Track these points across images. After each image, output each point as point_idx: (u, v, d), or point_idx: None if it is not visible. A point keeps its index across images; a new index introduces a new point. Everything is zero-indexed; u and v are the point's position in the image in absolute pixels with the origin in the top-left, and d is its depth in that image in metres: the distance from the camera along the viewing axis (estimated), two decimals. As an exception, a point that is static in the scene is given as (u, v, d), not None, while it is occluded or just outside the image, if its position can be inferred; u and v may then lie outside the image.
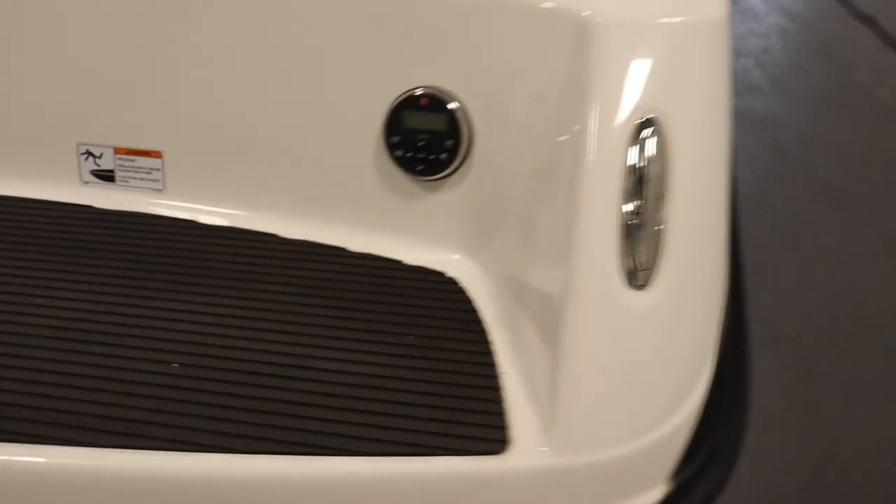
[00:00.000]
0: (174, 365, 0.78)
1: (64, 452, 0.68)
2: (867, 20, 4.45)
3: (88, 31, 1.00)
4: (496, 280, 0.87)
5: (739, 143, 2.87)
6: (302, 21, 0.92)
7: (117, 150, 1.03)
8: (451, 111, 0.89)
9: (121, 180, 1.04)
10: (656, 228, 0.74)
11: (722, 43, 0.83)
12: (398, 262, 0.92)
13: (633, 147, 0.73)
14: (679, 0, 0.83)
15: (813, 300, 2.09)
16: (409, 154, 0.90)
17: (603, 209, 0.72)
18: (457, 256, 0.92)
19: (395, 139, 0.90)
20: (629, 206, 0.73)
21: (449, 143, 0.89)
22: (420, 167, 0.91)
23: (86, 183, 1.05)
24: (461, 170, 0.91)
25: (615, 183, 0.72)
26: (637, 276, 0.72)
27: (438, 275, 0.89)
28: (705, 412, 0.76)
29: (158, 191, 1.03)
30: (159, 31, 0.98)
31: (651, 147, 0.74)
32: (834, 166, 2.73)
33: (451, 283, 0.88)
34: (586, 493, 0.72)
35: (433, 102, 0.89)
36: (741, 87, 3.36)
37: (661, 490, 0.75)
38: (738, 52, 3.75)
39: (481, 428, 0.72)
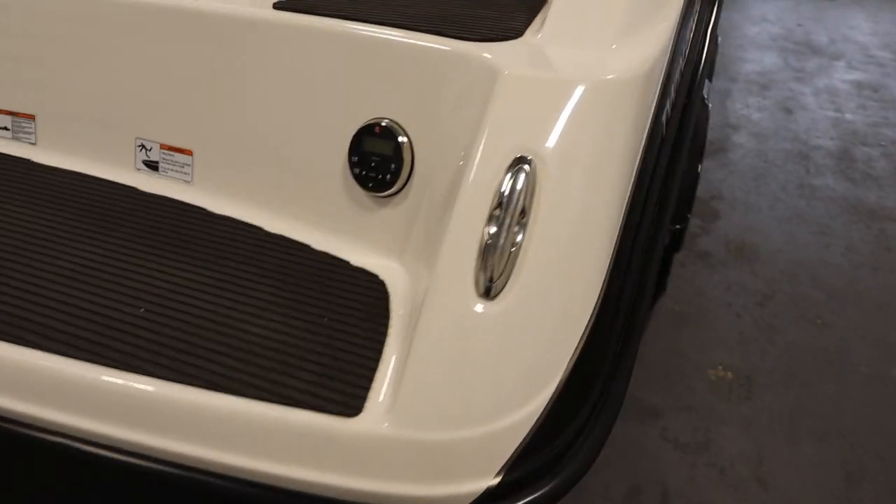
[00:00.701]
0: (141, 309, 0.99)
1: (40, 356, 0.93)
2: None
3: (152, 58, 1.29)
4: (413, 285, 1.02)
5: (843, 232, 2.80)
6: (299, 67, 1.16)
7: (162, 146, 1.29)
8: (398, 140, 1.08)
9: (162, 170, 1.31)
10: (513, 249, 0.84)
11: (626, 98, 0.93)
12: (346, 262, 1.10)
13: (505, 180, 0.85)
14: (599, 61, 0.94)
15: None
16: (363, 172, 1.09)
17: (467, 229, 0.84)
18: (394, 264, 1.08)
19: (355, 158, 1.10)
20: (491, 228, 0.84)
21: (393, 166, 1.07)
22: (371, 184, 1.10)
23: (137, 169, 1.33)
24: (403, 190, 1.09)
25: (483, 208, 0.84)
26: (491, 287, 0.83)
27: (373, 276, 1.06)
28: (554, 417, 0.84)
29: (187, 182, 1.28)
30: (198, 67, 1.26)
31: (520, 181, 0.85)
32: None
33: (380, 284, 1.05)
34: (415, 468, 0.82)
35: (384, 132, 1.08)
36: (859, 175, 3.26)
37: (487, 482, 0.83)
38: (864, 141, 3.64)
39: (343, 395, 0.86)
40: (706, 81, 2.25)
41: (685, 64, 1.21)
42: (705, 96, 2.08)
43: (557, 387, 0.86)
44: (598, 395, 0.91)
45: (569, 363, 0.87)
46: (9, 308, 0.99)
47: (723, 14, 5.88)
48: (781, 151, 3.44)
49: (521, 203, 0.86)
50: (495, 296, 0.84)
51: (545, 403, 0.85)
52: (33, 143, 1.40)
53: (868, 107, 4.14)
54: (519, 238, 0.86)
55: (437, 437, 0.83)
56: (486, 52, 1.01)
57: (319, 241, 1.14)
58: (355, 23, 1.13)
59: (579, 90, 0.91)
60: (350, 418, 0.85)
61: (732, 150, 3.42)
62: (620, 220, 0.93)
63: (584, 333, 0.87)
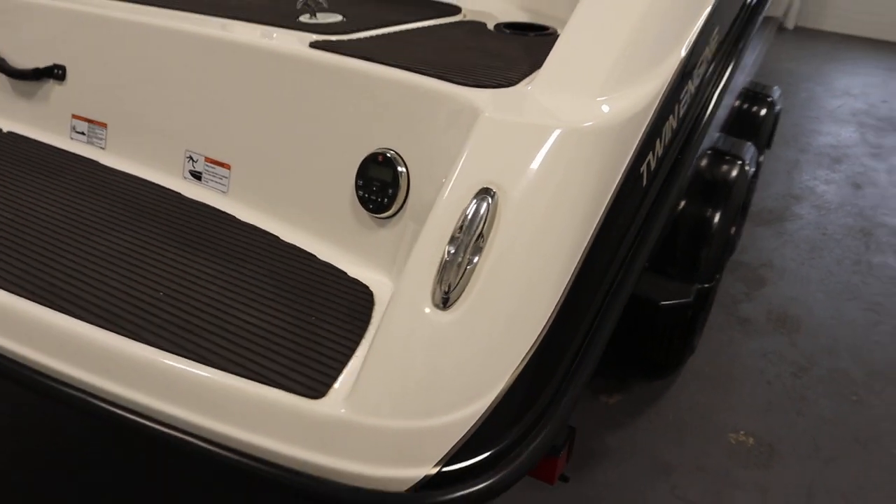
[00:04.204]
0: (160, 293, 1.15)
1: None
2: None
3: (205, 82, 1.46)
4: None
5: (894, 311, 2.74)
6: (323, 99, 1.31)
7: (207, 159, 1.46)
8: (398, 170, 1.21)
9: (204, 180, 1.48)
10: (468, 267, 0.93)
11: (596, 146, 1.01)
12: (343, 273, 1.23)
13: (470, 206, 0.94)
14: (578, 111, 1.02)
15: None
16: (366, 195, 1.23)
17: (431, 246, 0.94)
18: (384, 278, 1.21)
19: (360, 182, 1.24)
20: (451, 248, 0.95)
21: (391, 191, 1.21)
22: (371, 206, 1.23)
23: (184, 178, 1.51)
24: (398, 214, 1.21)
25: (447, 229, 0.93)
26: (447, 298, 0.93)
27: (364, 287, 1.19)
28: (492, 422, 0.90)
29: (224, 192, 1.44)
30: (242, 93, 1.42)
31: (482, 209, 0.94)
32: None
33: (369, 294, 1.18)
34: (364, 450, 0.91)
35: (386, 161, 1.22)
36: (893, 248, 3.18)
37: (426, 470, 0.92)
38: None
39: (311, 380, 0.98)
40: (751, 148, 2.28)
41: (681, 122, 1.27)
42: (746, 161, 2.11)
43: (498, 395, 0.95)
44: (538, 413, 0.98)
45: (511, 376, 0.95)
46: (54, 279, 1.17)
47: (804, 86, 5.83)
48: (843, 226, 3.39)
49: (480, 228, 0.95)
50: (449, 306, 0.93)
51: (486, 407, 0.94)
52: (103, 148, 1.62)
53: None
54: (475, 259, 0.95)
55: (386, 425, 0.93)
56: (476, 96, 1.12)
57: (324, 252, 1.28)
58: (372, 63, 1.27)
59: (548, 134, 1.00)
60: (313, 400, 0.97)
61: (791, 221, 3.40)
62: (579, 256, 1.00)
63: (529, 352, 0.95)
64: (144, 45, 1.53)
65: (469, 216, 0.96)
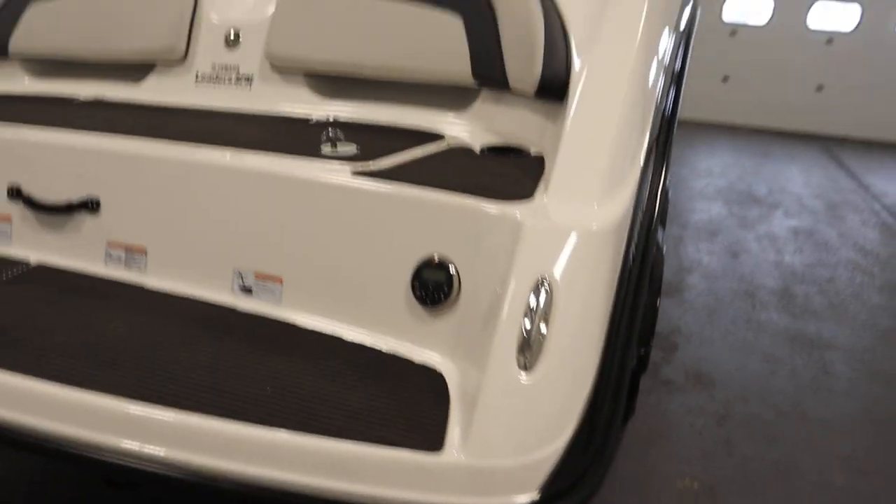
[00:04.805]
0: (267, 389, 1.33)
1: None
2: (944, 261, 4.71)
3: (250, 206, 1.63)
4: (461, 373, 1.40)
5: (788, 360, 3.17)
6: (373, 217, 1.53)
7: (257, 275, 1.63)
8: (450, 271, 1.46)
9: (255, 294, 1.64)
10: (540, 338, 1.21)
11: (607, 245, 1.34)
12: (409, 360, 1.47)
13: (531, 295, 1.22)
14: (587, 215, 1.34)
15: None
16: (423, 293, 1.47)
17: (510, 327, 1.21)
18: (446, 360, 1.44)
19: (417, 283, 1.48)
20: (525, 326, 1.23)
21: (446, 289, 1.46)
22: (428, 302, 1.47)
23: (233, 293, 1.66)
24: (452, 307, 1.45)
25: (518, 314, 1.21)
26: (526, 362, 1.22)
27: (432, 369, 1.44)
28: (572, 452, 1.18)
29: (277, 304, 1.61)
30: (289, 215, 1.60)
31: (542, 296, 1.23)
32: (880, 388, 2.96)
33: (438, 374, 1.42)
34: (483, 486, 1.18)
35: (439, 264, 1.47)
36: (798, 310, 3.68)
37: (532, 496, 1.19)
38: (802, 280, 4.10)
39: (426, 438, 1.22)
40: (660, 229, 2.68)
41: (644, 214, 1.60)
42: (660, 241, 2.50)
43: (573, 432, 1.23)
44: (601, 438, 1.26)
45: (580, 415, 1.24)
46: (179, 390, 1.31)
47: (673, 169, 6.52)
48: (730, 290, 3.87)
49: (543, 309, 1.23)
50: (530, 370, 1.20)
51: (566, 442, 1.22)
52: (143, 272, 1.72)
53: (804, 250, 4.66)
54: (543, 330, 1.22)
55: (497, 464, 1.19)
56: (510, 208, 1.41)
57: (387, 345, 1.50)
58: (413, 186, 1.51)
59: (576, 236, 1.32)
60: (435, 452, 1.21)
61: (687, 290, 3.85)
62: (607, 322, 1.29)
63: (588, 396, 1.23)
64: (184, 178, 1.67)
65: (534, 302, 1.23)
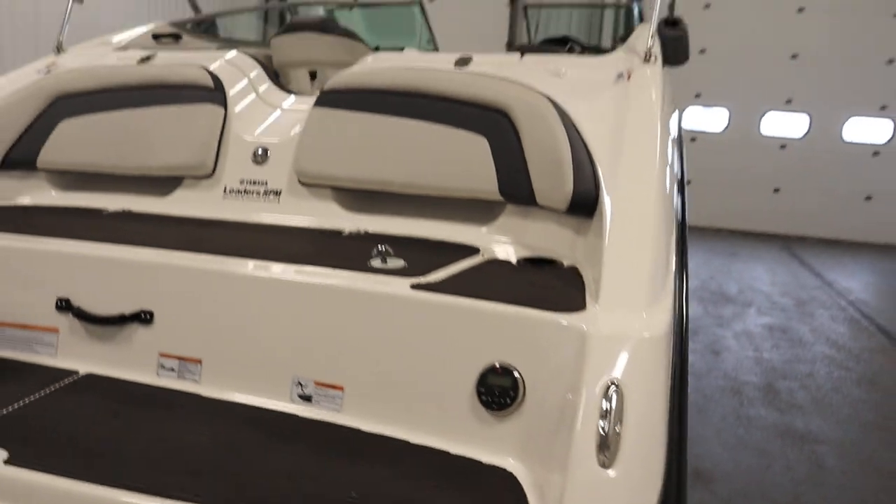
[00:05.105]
0: (353, 494, 1.35)
1: None
2: (912, 354, 4.91)
3: (308, 319, 1.67)
4: (533, 473, 1.45)
5: (780, 454, 3.25)
6: (434, 328, 1.59)
7: (316, 383, 1.66)
8: (514, 376, 1.52)
9: (315, 402, 1.66)
10: (616, 434, 1.30)
11: (661, 349, 1.43)
12: (479, 461, 1.51)
13: (603, 400, 1.30)
14: (639, 323, 1.45)
15: None
16: (489, 399, 1.53)
17: (587, 429, 1.28)
18: (514, 461, 1.50)
19: (482, 389, 1.54)
20: (602, 427, 1.31)
21: (511, 394, 1.52)
22: (493, 406, 1.52)
23: (292, 401, 1.68)
24: (517, 411, 1.51)
25: (594, 417, 1.28)
26: (605, 460, 1.29)
27: (502, 469, 1.49)
28: None
29: (338, 411, 1.64)
30: (349, 326, 1.65)
31: (613, 399, 1.32)
32: (867, 482, 3.05)
33: (510, 474, 1.47)
34: None
35: (503, 371, 1.53)
36: (784, 405, 3.79)
37: None
38: (783, 375, 4.23)
39: None
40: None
41: (681, 318, 1.70)
42: None
43: None
44: None
45: (658, 499, 1.31)
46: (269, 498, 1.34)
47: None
48: (717, 388, 3.98)
49: (616, 410, 1.31)
50: (610, 467, 1.27)
51: None
52: (197, 382, 1.74)
53: (781, 346, 4.82)
54: (618, 430, 1.30)
55: None
56: (573, 320, 1.48)
57: (455, 447, 1.53)
58: (470, 298, 1.57)
59: (637, 343, 1.41)
60: None
61: (675, 388, 3.94)
62: (666, 425, 1.37)
63: (660, 491, 1.29)
64: (239, 291, 1.71)
65: (606, 405, 1.31)
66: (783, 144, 9.57)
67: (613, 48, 2.88)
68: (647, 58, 2.15)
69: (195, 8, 4.05)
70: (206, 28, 3.78)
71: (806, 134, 9.52)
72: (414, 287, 1.63)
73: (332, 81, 2.25)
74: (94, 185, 2.48)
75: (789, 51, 9.32)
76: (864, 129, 9.44)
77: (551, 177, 1.87)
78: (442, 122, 2.06)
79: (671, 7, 2.92)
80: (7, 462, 1.38)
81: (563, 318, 1.49)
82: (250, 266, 1.74)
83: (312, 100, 2.43)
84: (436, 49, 4.83)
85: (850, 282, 7.08)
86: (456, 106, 2.07)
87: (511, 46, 11.25)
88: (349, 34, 3.44)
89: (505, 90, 2.03)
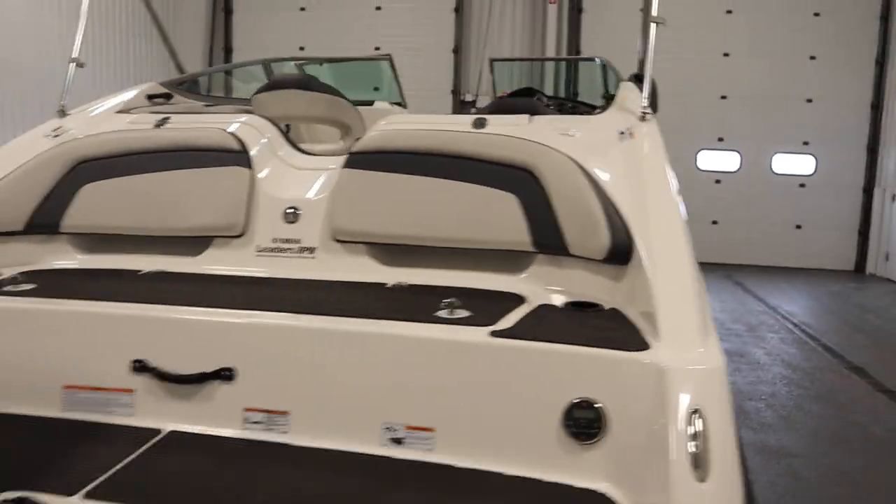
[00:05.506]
0: None
1: None
2: (858, 370, 5.28)
3: (396, 368, 1.79)
4: (625, 496, 1.60)
5: (760, 469, 3.49)
6: (518, 374, 1.73)
7: (407, 427, 1.77)
8: (598, 410, 1.68)
9: (406, 444, 1.77)
10: (705, 453, 1.48)
11: (724, 377, 1.62)
12: (571, 486, 1.66)
13: (689, 425, 1.48)
14: (701, 357, 1.64)
15: None
16: (576, 431, 1.69)
17: (680, 450, 1.45)
18: (604, 485, 1.65)
19: (569, 422, 1.69)
20: (692, 447, 1.49)
21: (596, 425, 1.68)
22: (581, 437, 1.68)
23: (383, 445, 1.78)
24: (603, 439, 1.67)
25: (684, 439, 1.46)
26: (700, 476, 1.47)
27: (594, 492, 1.64)
28: None
29: (430, 451, 1.76)
30: (436, 373, 1.78)
31: (698, 421, 1.51)
32: (842, 490, 3.31)
33: (603, 496, 1.62)
34: None
35: (587, 404, 1.69)
36: (755, 424, 4.06)
37: None
38: (749, 397, 4.51)
39: None
40: None
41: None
42: None
43: None
44: None
45: None
46: None
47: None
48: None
49: (702, 433, 1.49)
50: (702, 482, 1.43)
51: None
52: (286, 433, 1.81)
53: (742, 369, 5.12)
54: (706, 449, 1.48)
55: None
56: (651, 357, 1.65)
57: (547, 476, 1.67)
58: (547, 343, 1.72)
59: (708, 374, 1.58)
60: None
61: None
62: (736, 442, 1.55)
63: (743, 499, 1.47)
64: (325, 345, 1.80)
65: (691, 429, 1.49)
66: (718, 179, 10.13)
67: (573, 98, 3.10)
68: (643, 117, 2.39)
69: (180, 69, 4.17)
70: (188, 87, 3.90)
71: (739, 168, 10.12)
72: (493, 334, 1.77)
73: (359, 144, 2.40)
74: (116, 246, 2.54)
75: (719, 92, 9.95)
76: (789, 164, 10.10)
77: (584, 229, 2.05)
78: (469, 180, 2.24)
79: (641, 63, 3.21)
80: None
81: (640, 357, 1.66)
82: (330, 321, 1.85)
83: (328, 160, 2.59)
84: (404, 103, 5.05)
85: (791, 306, 7.52)
86: (481, 165, 2.25)
87: (456, 94, 11.53)
88: (330, 90, 3.60)
89: (529, 150, 2.23)
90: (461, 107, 10.35)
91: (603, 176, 2.13)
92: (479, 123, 2.41)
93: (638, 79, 3.11)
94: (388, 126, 2.48)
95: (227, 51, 11.11)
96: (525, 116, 2.52)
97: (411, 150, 2.33)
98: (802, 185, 10.06)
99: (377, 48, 10.11)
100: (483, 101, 10.41)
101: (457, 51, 10.57)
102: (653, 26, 2.50)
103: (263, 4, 10.93)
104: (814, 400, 4.55)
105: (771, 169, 10.11)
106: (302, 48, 10.45)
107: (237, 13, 11.08)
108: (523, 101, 3.42)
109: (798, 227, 10.09)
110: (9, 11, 7.48)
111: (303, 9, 10.83)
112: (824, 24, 9.76)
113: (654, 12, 2.51)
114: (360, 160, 2.36)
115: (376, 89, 5.17)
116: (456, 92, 10.62)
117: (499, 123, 2.42)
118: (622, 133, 2.36)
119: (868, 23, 9.71)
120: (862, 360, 5.54)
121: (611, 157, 2.25)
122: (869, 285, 9.24)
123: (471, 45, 10.55)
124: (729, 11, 9.84)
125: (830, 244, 10.07)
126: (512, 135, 2.31)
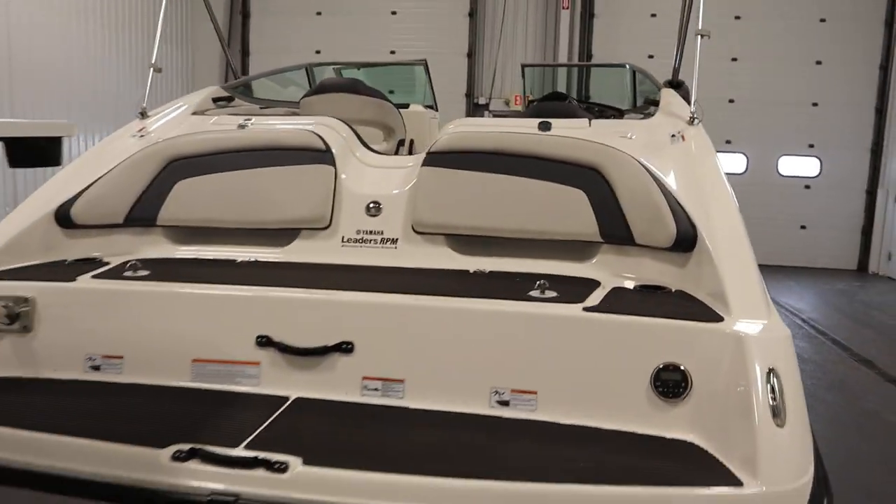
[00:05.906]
0: (581, 464, 1.73)
1: None
2: (867, 362, 5.53)
3: (503, 339, 2.02)
4: (711, 442, 1.81)
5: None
6: (611, 341, 1.95)
7: (513, 390, 1.98)
8: (683, 372, 1.90)
9: (512, 405, 1.98)
10: (782, 404, 1.72)
11: (791, 343, 1.86)
12: (663, 437, 1.87)
13: (766, 384, 1.73)
14: (772, 325, 1.87)
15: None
16: (664, 390, 1.91)
17: (762, 403, 1.69)
18: (691, 435, 1.86)
19: (658, 384, 1.91)
20: (771, 399, 1.73)
21: (682, 385, 1.90)
22: (669, 396, 1.90)
23: (491, 407, 1.99)
24: (688, 396, 1.89)
25: (765, 392, 1.71)
26: (780, 423, 1.71)
27: (684, 441, 1.85)
28: (816, 482, 1.68)
29: (533, 411, 1.97)
30: (537, 343, 2.00)
31: (774, 379, 1.75)
32: (862, 473, 3.54)
33: (693, 444, 1.83)
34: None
35: (674, 368, 1.90)
36: (775, 410, 4.30)
37: None
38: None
39: (726, 481, 1.65)
40: None
41: None
42: None
43: (814, 469, 1.70)
44: (825, 476, 1.75)
45: (814, 457, 1.73)
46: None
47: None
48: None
49: (779, 388, 1.73)
50: (783, 427, 1.68)
51: (812, 476, 1.68)
52: (401, 398, 2.02)
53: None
54: (783, 401, 1.72)
55: (784, 489, 1.63)
56: (724, 326, 1.87)
57: (641, 430, 1.88)
58: (630, 315, 1.95)
59: (779, 340, 1.83)
60: (739, 487, 1.63)
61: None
62: (803, 396, 1.80)
63: (812, 443, 1.73)
64: (437, 321, 2.02)
65: (773, 383, 1.73)
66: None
67: (599, 102, 3.33)
68: (691, 121, 2.64)
69: (235, 73, 4.41)
70: (242, 91, 4.14)
71: (745, 170, 10.38)
72: (586, 310, 2.02)
73: (436, 145, 2.64)
74: (207, 238, 2.76)
75: (727, 96, 10.21)
76: (795, 166, 10.37)
77: (651, 221, 2.29)
78: (539, 177, 2.48)
79: (675, 71, 3.46)
80: (306, 463, 1.69)
81: (720, 327, 1.89)
82: (439, 300, 2.08)
83: (402, 159, 2.83)
84: (436, 106, 5.29)
85: (799, 303, 7.78)
86: (550, 164, 2.49)
87: (470, 97, 11.72)
88: (376, 93, 3.84)
89: (595, 151, 2.48)
90: (474, 110, 10.61)
91: (662, 173, 2.37)
92: (545, 126, 2.66)
93: (672, 85, 3.36)
94: (460, 128, 2.72)
95: (244, 54, 11.33)
96: (585, 120, 2.76)
97: (484, 150, 2.57)
98: (807, 187, 10.32)
99: (392, 52, 10.37)
100: (496, 105, 10.70)
101: (470, 55, 10.80)
102: (697, 38, 2.75)
103: (280, 8, 11.15)
104: (827, 389, 4.79)
105: (777, 171, 10.37)
106: (318, 52, 10.68)
107: (254, 17, 11.31)
108: (561, 104, 3.67)
109: (803, 227, 10.35)
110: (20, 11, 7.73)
111: (319, 13, 11.06)
112: (830, 29, 10.02)
113: (699, 25, 2.76)
114: (438, 159, 2.58)
115: (409, 93, 5.40)
116: (469, 95, 10.86)
117: (562, 126, 2.66)
118: (673, 136, 2.61)
119: (873, 28, 9.97)
120: (870, 354, 5.79)
121: (667, 157, 2.49)
122: (872, 284, 9.50)
123: (484, 50, 10.79)
124: (738, 17, 10.10)
125: (834, 244, 10.33)
126: (577, 137, 2.55)
